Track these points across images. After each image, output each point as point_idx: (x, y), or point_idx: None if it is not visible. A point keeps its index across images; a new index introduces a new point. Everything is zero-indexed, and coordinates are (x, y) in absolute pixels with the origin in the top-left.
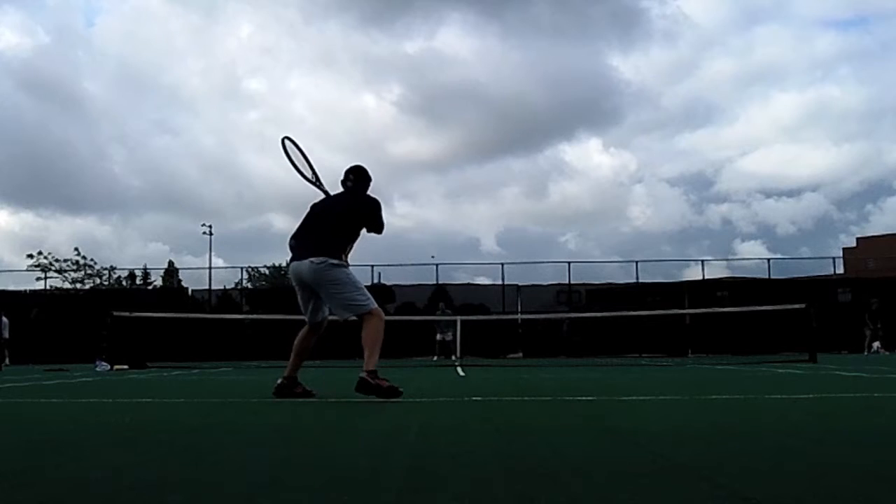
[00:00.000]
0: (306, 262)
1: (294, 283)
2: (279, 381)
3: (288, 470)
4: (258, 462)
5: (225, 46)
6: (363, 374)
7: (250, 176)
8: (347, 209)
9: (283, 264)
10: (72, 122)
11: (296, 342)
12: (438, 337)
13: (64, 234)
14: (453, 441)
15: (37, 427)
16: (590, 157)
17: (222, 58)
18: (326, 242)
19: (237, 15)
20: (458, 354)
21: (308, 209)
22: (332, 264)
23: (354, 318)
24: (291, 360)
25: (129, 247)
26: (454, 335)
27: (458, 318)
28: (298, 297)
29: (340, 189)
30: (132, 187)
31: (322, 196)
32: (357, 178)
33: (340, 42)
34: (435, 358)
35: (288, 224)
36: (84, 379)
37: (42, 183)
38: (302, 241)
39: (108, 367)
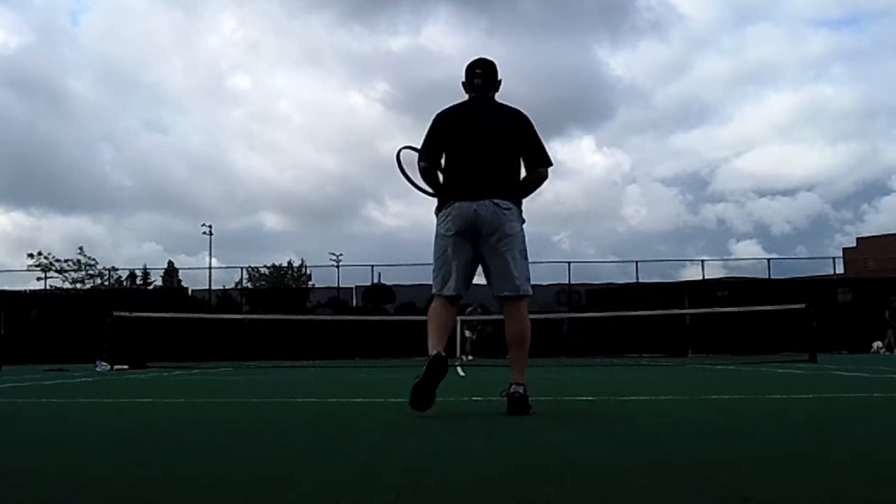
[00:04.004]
0: (487, 202)
1: (453, 233)
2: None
3: (288, 470)
4: (258, 462)
5: (208, 43)
6: (520, 389)
7: (240, 174)
8: (507, 126)
9: (283, 264)
10: (59, 121)
11: (433, 321)
12: (468, 334)
13: (56, 233)
14: (453, 441)
15: (37, 427)
16: (583, 157)
17: (206, 55)
18: (509, 180)
19: (220, 11)
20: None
21: (440, 121)
22: (520, 217)
23: (507, 294)
24: (437, 338)
25: (123, 246)
26: (477, 335)
27: (459, 318)
28: (448, 254)
29: (465, 97)
30: (123, 186)
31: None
32: (488, 76)
33: (324, 38)
34: (469, 357)
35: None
36: (84, 379)
37: (32, 182)
38: (467, 171)
39: (108, 367)
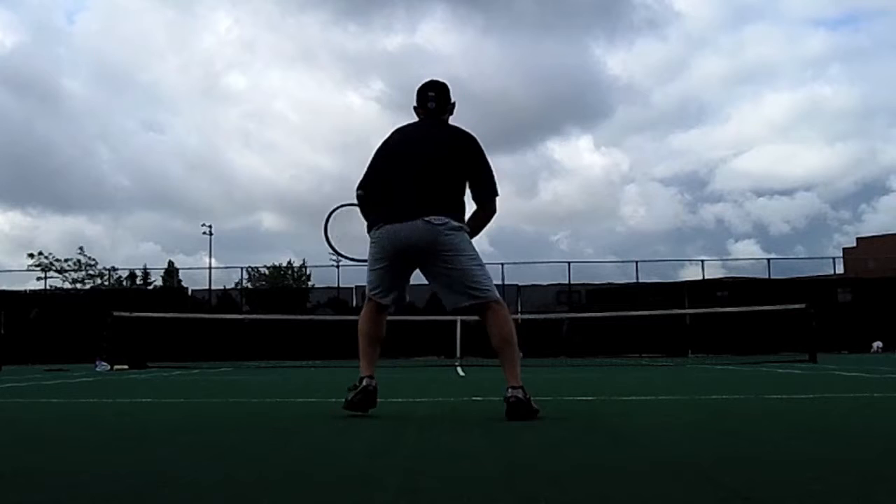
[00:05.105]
0: (418, 221)
1: (386, 253)
2: (360, 389)
3: (288, 469)
4: (258, 462)
5: (203, 42)
6: (517, 393)
7: (238, 174)
8: (456, 149)
9: (283, 264)
10: (55, 121)
11: (364, 329)
12: None
13: (54, 233)
14: (453, 441)
15: (37, 427)
16: (581, 156)
17: (201, 54)
18: (446, 197)
19: (214, 10)
20: (459, 354)
21: (386, 148)
22: (458, 227)
23: (466, 304)
24: (366, 355)
25: (121, 246)
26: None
27: (459, 318)
28: (380, 271)
29: (414, 118)
30: (120, 186)
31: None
32: (441, 99)
33: (320, 37)
34: None
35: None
36: (84, 379)
37: (29, 182)
38: (399, 193)
39: (108, 367)
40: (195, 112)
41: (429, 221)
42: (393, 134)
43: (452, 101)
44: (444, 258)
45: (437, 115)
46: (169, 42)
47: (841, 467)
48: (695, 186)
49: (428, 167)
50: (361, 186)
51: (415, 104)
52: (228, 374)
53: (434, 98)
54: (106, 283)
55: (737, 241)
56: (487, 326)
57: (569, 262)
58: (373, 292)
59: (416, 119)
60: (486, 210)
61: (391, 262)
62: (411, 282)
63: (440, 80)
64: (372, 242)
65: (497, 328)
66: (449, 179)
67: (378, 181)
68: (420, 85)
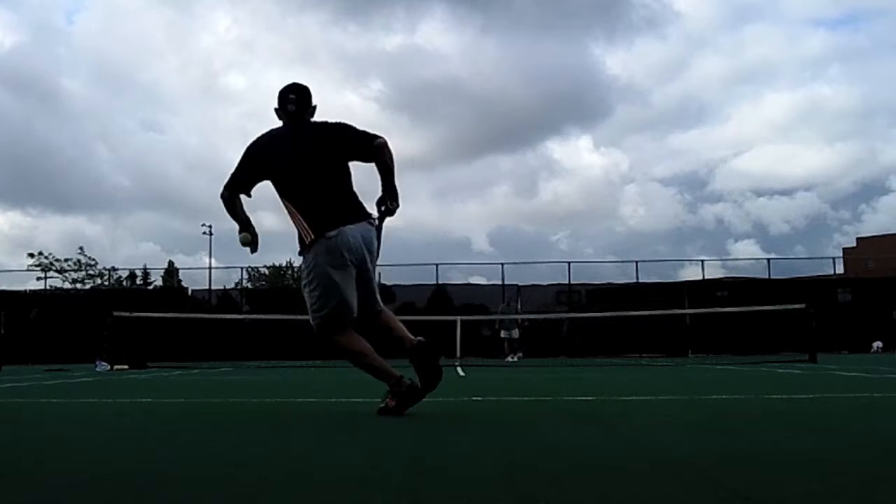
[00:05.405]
0: (364, 223)
1: (340, 264)
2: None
3: (288, 470)
4: (258, 461)
5: (203, 42)
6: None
7: None
8: (330, 141)
9: (283, 264)
10: (55, 120)
11: (365, 354)
12: (503, 334)
13: (54, 233)
14: (453, 441)
15: (37, 427)
16: (580, 156)
17: (200, 53)
18: (351, 196)
19: (213, 9)
20: (458, 354)
21: (254, 151)
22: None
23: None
24: (385, 366)
25: (121, 246)
26: (519, 332)
27: (458, 318)
28: (336, 282)
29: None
30: (120, 186)
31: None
32: (302, 102)
33: (319, 37)
34: (509, 358)
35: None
36: (84, 379)
37: (28, 181)
38: (326, 200)
39: (108, 367)
40: (195, 112)
41: (370, 223)
42: (259, 140)
43: (314, 104)
44: (373, 262)
45: (298, 118)
46: (168, 42)
47: (841, 467)
48: (695, 186)
49: (324, 170)
50: (228, 187)
51: (276, 106)
52: (228, 374)
53: (295, 101)
54: (106, 283)
55: (737, 241)
56: (392, 324)
57: (569, 262)
58: (341, 309)
59: (275, 122)
60: (382, 149)
61: (348, 266)
62: (410, 282)
63: (301, 83)
64: (330, 249)
65: (399, 323)
66: (344, 176)
67: (250, 187)
68: (282, 88)
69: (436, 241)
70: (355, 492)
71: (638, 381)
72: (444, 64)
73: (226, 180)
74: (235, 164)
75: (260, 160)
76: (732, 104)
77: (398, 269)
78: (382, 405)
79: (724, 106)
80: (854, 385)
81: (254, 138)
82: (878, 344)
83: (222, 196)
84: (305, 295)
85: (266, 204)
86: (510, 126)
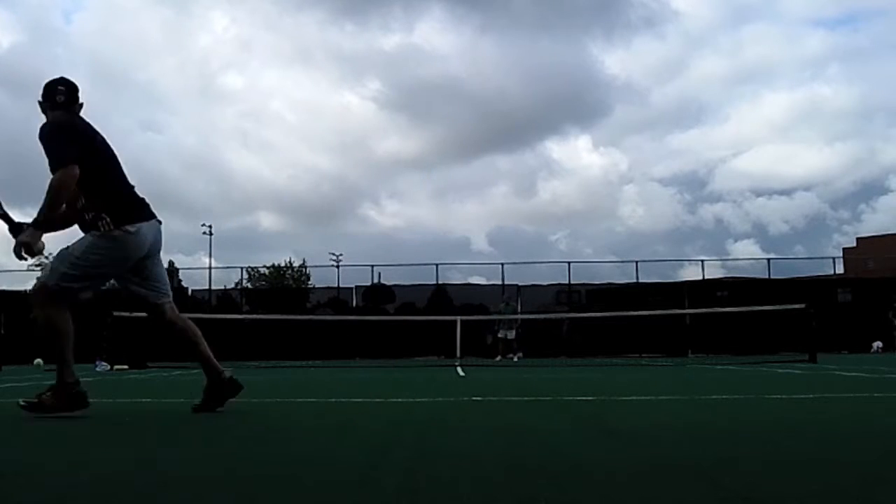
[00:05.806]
0: (156, 222)
1: (139, 252)
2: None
3: (288, 469)
4: (258, 461)
5: (200, 41)
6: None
7: (235, 174)
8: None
9: (283, 264)
10: None
11: (64, 329)
12: (500, 335)
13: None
14: (453, 441)
15: (37, 427)
16: (579, 156)
17: (198, 53)
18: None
19: (211, 9)
20: (458, 354)
21: (83, 129)
22: None
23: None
24: (70, 357)
25: None
26: (517, 333)
27: (458, 318)
28: (111, 270)
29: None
30: None
31: None
32: (71, 93)
33: (316, 36)
34: (498, 358)
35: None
36: (84, 379)
37: (27, 181)
38: (135, 194)
39: (108, 367)
40: (192, 112)
41: (160, 222)
42: (81, 119)
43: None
44: (159, 255)
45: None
46: (166, 41)
47: (841, 467)
48: (694, 186)
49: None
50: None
51: (40, 99)
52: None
53: (63, 92)
54: (106, 283)
55: (736, 241)
56: (178, 322)
57: (569, 262)
58: (76, 284)
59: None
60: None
61: (132, 263)
62: (410, 282)
63: (70, 79)
64: (122, 238)
65: (188, 322)
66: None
67: (112, 172)
68: (50, 80)
69: (435, 241)
70: (355, 492)
71: (638, 382)
72: (442, 64)
73: (67, 156)
74: (65, 137)
75: (90, 140)
76: (732, 104)
77: (398, 269)
78: (42, 398)
79: (723, 106)
80: (854, 385)
81: (71, 118)
82: (878, 344)
83: (74, 176)
84: (65, 260)
85: (265, 204)
86: (509, 126)
